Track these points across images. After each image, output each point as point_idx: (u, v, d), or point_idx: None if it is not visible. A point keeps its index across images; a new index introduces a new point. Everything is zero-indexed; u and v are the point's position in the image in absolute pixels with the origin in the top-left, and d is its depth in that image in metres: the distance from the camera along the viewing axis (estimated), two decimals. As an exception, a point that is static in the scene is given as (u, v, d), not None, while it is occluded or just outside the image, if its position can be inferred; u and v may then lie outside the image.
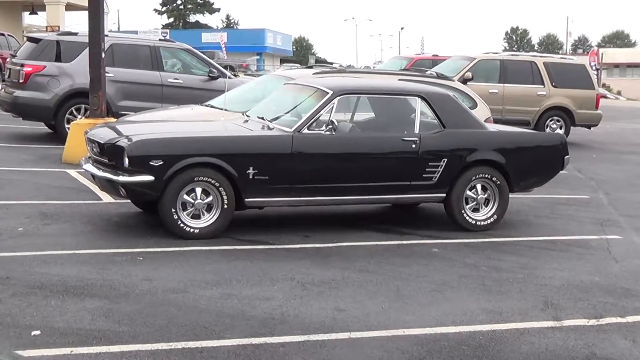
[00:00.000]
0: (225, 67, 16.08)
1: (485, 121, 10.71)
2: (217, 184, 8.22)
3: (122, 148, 8.10)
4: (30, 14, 35.21)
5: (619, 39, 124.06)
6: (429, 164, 9.08)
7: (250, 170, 8.34)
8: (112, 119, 12.59)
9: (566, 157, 10.02)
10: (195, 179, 8.18)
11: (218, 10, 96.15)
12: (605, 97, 38.15)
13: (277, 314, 6.03)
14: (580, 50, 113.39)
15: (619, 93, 65.59)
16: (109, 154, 8.30)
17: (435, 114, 9.26)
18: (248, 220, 9.01)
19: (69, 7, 32.58)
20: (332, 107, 8.77)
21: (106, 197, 9.71)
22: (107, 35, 14.57)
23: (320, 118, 8.71)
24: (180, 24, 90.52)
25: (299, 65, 42.68)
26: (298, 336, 5.58)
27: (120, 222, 9.00)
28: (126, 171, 8.05)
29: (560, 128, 19.35)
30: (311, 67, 17.36)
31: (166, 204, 8.11)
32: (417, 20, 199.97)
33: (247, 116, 9.48)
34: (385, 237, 8.90)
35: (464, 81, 16.73)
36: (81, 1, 26.53)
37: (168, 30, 65.25)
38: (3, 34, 27.98)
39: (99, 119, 12.52)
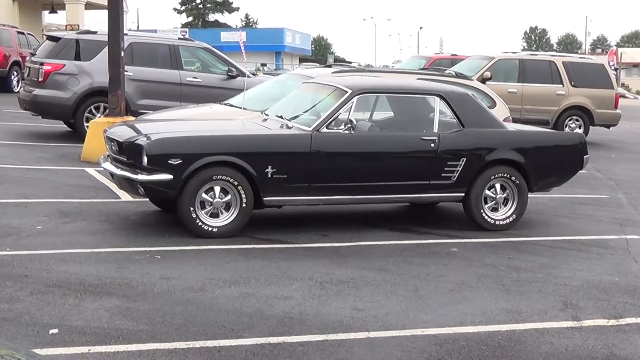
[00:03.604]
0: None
1: (504, 120, 10.68)
2: (235, 183, 8.22)
3: (141, 146, 8.10)
4: (50, 12, 35.37)
5: (638, 39, 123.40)
6: (448, 163, 9.05)
7: (269, 169, 8.33)
8: (131, 118, 12.61)
9: (585, 156, 9.98)
10: (213, 178, 8.18)
11: (237, 9, 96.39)
12: (624, 96, 37.97)
13: (295, 313, 6.02)
14: (599, 50, 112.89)
15: (638, 93, 65.27)
16: (127, 153, 8.31)
17: (454, 113, 9.22)
18: (266, 219, 9.00)
19: (89, 5, 32.69)
20: (351, 106, 8.76)
21: (125, 196, 9.74)
22: (126, 34, 14.61)
23: (339, 117, 8.70)
24: (200, 23, 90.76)
25: (317, 64, 42.66)
26: (316, 335, 5.57)
27: (139, 220, 9.01)
28: (145, 170, 8.05)
29: (579, 127, 19.29)
30: (330, 66, 17.35)
31: (185, 202, 8.11)
32: (436, 19, 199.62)
33: (266, 115, 9.47)
34: (404, 236, 8.88)
35: (483, 80, 16.68)
36: (101, 0, 26.60)
37: (187, 29, 65.44)
38: (23, 33, 28.07)
39: (118, 117, 12.55)
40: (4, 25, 27.77)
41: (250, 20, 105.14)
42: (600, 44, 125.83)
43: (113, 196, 10.05)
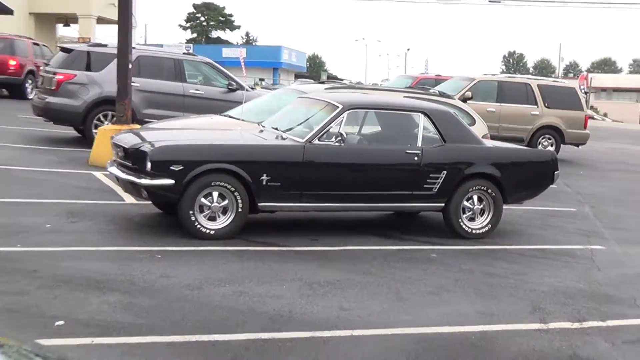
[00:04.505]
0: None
1: (482, 137, 10.69)
2: (232, 189, 8.22)
3: (145, 153, 8.10)
4: (63, 26, 35.31)
5: (606, 65, 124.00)
6: (430, 175, 9.07)
7: (264, 177, 8.33)
8: (137, 126, 12.58)
9: (556, 172, 10.02)
10: (212, 184, 8.17)
11: (238, 27, 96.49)
12: (592, 118, 38.13)
13: (285, 311, 6.02)
14: (571, 75, 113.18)
15: (605, 115, 65.55)
16: (132, 158, 8.30)
17: (437, 129, 9.25)
18: (260, 224, 9.00)
19: (100, 20, 32.65)
20: (342, 120, 8.78)
21: (129, 198, 9.72)
22: (134, 48, 14.58)
23: (330, 130, 8.71)
24: (203, 39, 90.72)
25: (312, 80, 42.65)
26: (304, 332, 5.58)
27: (141, 222, 9.00)
28: (148, 174, 8.05)
29: (551, 145, 19.35)
30: (323, 82, 17.38)
31: (185, 206, 8.11)
32: (423, 42, 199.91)
33: (263, 126, 9.48)
34: (387, 242, 8.89)
35: (464, 100, 16.70)
36: (111, 15, 26.59)
37: (191, 45, 65.33)
38: (38, 44, 28.00)
39: (125, 125, 12.53)
40: (20, 37, 27.70)
41: (250, 37, 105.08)
42: (572, 69, 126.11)
43: (118, 198, 10.03)
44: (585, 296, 7.17)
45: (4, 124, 18.15)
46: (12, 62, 25.93)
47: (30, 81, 25.93)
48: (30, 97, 23.05)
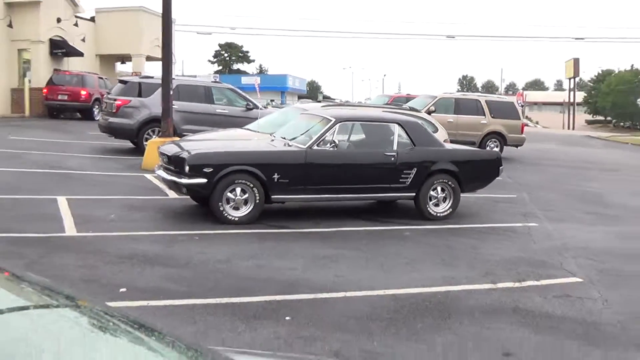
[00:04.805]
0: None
1: (444, 141, 10.67)
2: (251, 185, 8.19)
3: (184, 159, 8.08)
4: (121, 63, 35.32)
5: (536, 85, 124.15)
6: (404, 172, 9.04)
7: (276, 175, 8.31)
8: (177, 138, 12.56)
9: (501, 167, 9.98)
10: (235, 181, 8.15)
11: (253, 60, 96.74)
12: (528, 125, 38.07)
13: (293, 279, 6.00)
14: (510, 92, 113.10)
15: (537, 123, 65.57)
16: (174, 163, 8.28)
17: (408, 136, 9.22)
18: (274, 211, 8.97)
19: (148, 58, 32.66)
20: (335, 130, 8.76)
21: (172, 194, 9.70)
22: (174, 79, 14.59)
23: (326, 138, 8.69)
24: (227, 70, 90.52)
25: (311, 100, 42.70)
26: (308, 295, 5.56)
27: (182, 212, 8.98)
28: (187, 175, 8.03)
29: (497, 147, 19.29)
30: (320, 101, 17.32)
31: (215, 199, 8.09)
32: (396, 68, 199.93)
33: (273, 137, 9.45)
34: (372, 224, 8.86)
35: (429, 113, 16.66)
36: (157, 54, 26.56)
37: (218, 75, 65.00)
38: (102, 78, 28.07)
39: (168, 138, 12.50)
40: (89, 73, 27.82)
41: (263, 68, 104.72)
42: (511, 88, 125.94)
43: (164, 194, 10.00)
44: (524, 262, 7.14)
45: (78, 139, 18.13)
46: (83, 92, 26.09)
47: (96, 106, 25.92)
48: (97, 118, 23.05)
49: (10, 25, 27.09)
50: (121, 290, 5.37)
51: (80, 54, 29.26)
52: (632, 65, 69.24)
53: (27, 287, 1.36)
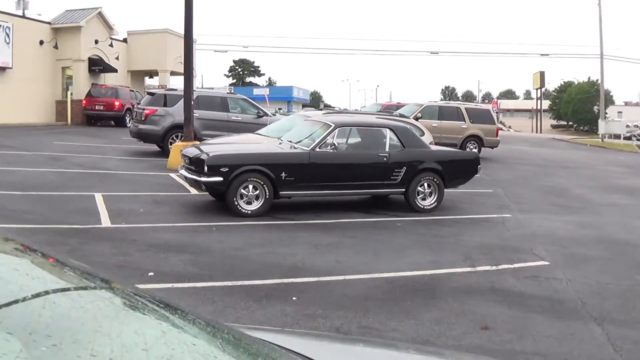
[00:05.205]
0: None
1: (430, 144, 10.65)
2: (262, 183, 8.19)
3: (203, 160, 8.08)
4: (149, 77, 35.38)
5: (509, 94, 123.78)
6: (395, 170, 9.03)
7: (283, 174, 8.30)
8: (197, 142, 12.56)
9: (479, 166, 9.96)
10: (248, 179, 8.14)
11: (263, 74, 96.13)
12: (502, 129, 37.98)
13: (299, 264, 5.99)
14: (486, 100, 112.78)
15: (510, 127, 65.47)
16: (195, 164, 8.27)
17: (399, 139, 9.20)
18: (281, 205, 8.97)
19: (172, 73, 32.72)
20: (334, 134, 8.75)
21: (193, 191, 9.70)
22: (195, 90, 14.60)
23: (327, 141, 8.68)
24: (240, 82, 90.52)
25: (314, 108, 42.69)
26: (312, 278, 5.54)
27: (202, 206, 8.98)
28: (205, 174, 8.02)
29: (475, 148, 19.27)
30: (321, 109, 17.30)
31: (230, 195, 8.08)
32: (388, 80, 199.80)
33: (281, 140, 9.44)
34: (368, 216, 8.85)
35: (416, 119, 16.63)
36: (180, 69, 26.57)
37: (233, 87, 65.04)
38: (133, 90, 28.12)
39: (189, 142, 12.51)
40: (121, 86, 27.90)
41: (272, 81, 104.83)
42: (487, 97, 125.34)
43: (186, 191, 10.00)
44: (499, 248, 7.13)
45: (113, 143, 18.12)
46: (117, 103, 26.12)
47: (128, 115, 25.95)
48: (128, 125, 23.06)
49: (56, 47, 27.36)
50: (149, 274, 5.37)
51: (115, 70, 29.38)
52: (589, 77, 69.30)
53: (68, 272, 1.36)
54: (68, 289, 1.23)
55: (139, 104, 17.03)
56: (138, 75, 33.54)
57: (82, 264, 1.45)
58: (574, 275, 6.08)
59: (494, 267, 6.24)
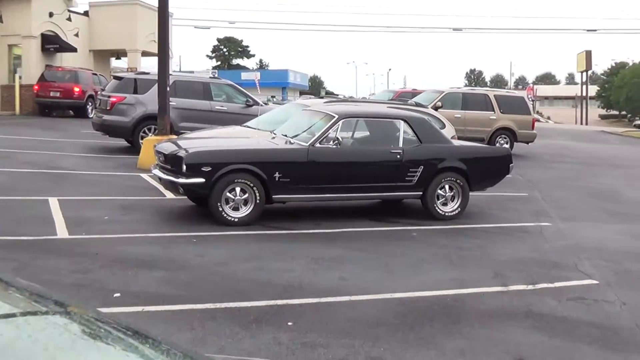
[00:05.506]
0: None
1: (451, 138, 10.64)
2: (251, 185, 8.18)
3: (181, 157, 8.07)
4: (116, 59, 35.36)
5: (547, 79, 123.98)
6: (410, 169, 9.03)
7: (277, 174, 8.29)
8: (174, 136, 12.55)
9: (511, 165, 9.97)
10: (235, 181, 8.14)
11: (253, 55, 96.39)
12: (538, 120, 38.04)
13: (296, 282, 5.98)
14: (520, 86, 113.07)
15: (548, 118, 65.54)
16: (171, 162, 8.27)
17: (415, 132, 9.20)
18: (274, 212, 8.96)
19: (144, 53, 32.71)
20: (338, 127, 8.74)
21: (169, 194, 9.69)
22: (171, 74, 14.58)
23: (329, 135, 8.68)
24: (226, 65, 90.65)
25: (313, 96, 42.67)
26: (312, 299, 5.53)
27: (179, 213, 8.97)
28: (184, 175, 8.02)
29: (507, 143, 19.27)
30: (322, 97, 17.31)
31: (213, 199, 8.07)
32: (401, 62, 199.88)
33: (274, 134, 9.43)
34: (377, 224, 8.84)
35: (436, 108, 16.61)
36: (153, 49, 26.64)
37: (217, 70, 65.12)
38: (96, 74, 28.13)
39: (164, 136, 12.51)
40: (82, 69, 27.90)
41: (263, 63, 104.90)
42: (521, 82, 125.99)
43: (160, 194, 9.99)
44: (537, 263, 7.12)
45: (71, 137, 18.16)
46: (76, 89, 26.14)
47: (90, 103, 26.01)
48: (91, 116, 23.09)
49: (0, 20, 27.17)
50: (115, 295, 5.35)
51: (74, 50, 29.35)
52: (646, 57, 69.14)
53: (14, 293, 1.34)
54: (13, 315, 1.21)
55: (103, 90, 17.05)
56: (102, 56, 33.60)
57: (32, 284, 1.43)
58: (629, 297, 6.06)
59: (530, 287, 6.23)
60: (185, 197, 9.03)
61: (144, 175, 11.62)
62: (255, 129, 11.00)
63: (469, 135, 17.63)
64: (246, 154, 8.39)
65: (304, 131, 9.09)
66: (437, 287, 6.04)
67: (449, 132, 11.95)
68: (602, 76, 79.53)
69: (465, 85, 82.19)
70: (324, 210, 9.52)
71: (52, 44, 28.58)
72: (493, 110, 19.54)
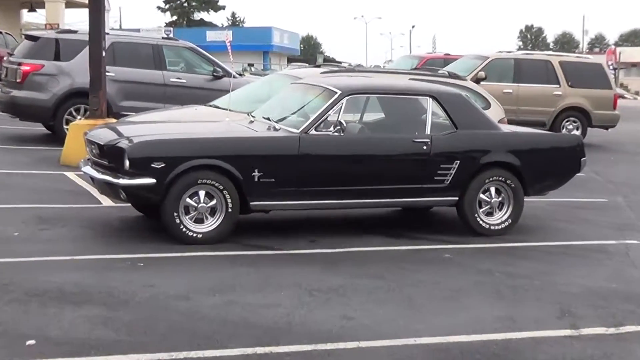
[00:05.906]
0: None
1: (499, 122, 10.67)
2: (221, 187, 8.19)
3: (122, 150, 8.08)
4: (28, 11, 35.31)
5: (637, 37, 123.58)
6: (441, 166, 9.04)
7: (256, 173, 8.30)
8: (113, 120, 12.56)
9: (583, 159, 9.98)
10: (198, 182, 8.14)
11: (223, 7, 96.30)
12: (623, 97, 38.07)
13: (282, 322, 5.99)
14: (597, 49, 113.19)
15: (637, 93, 65.45)
16: (109, 156, 8.27)
17: (447, 114, 9.22)
18: (253, 225, 8.97)
19: (69, 4, 32.68)
20: (341, 107, 8.75)
21: (106, 201, 9.69)
22: (108, 34, 14.59)
23: (328, 119, 8.69)
24: (185, 22, 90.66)
25: (306, 64, 42.57)
26: (304, 345, 5.53)
27: (121, 226, 8.97)
28: (127, 174, 8.02)
29: (577, 129, 19.33)
30: (319, 66, 17.31)
31: (168, 207, 8.08)
32: (429, 18, 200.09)
33: (253, 117, 9.45)
34: (396, 242, 8.86)
35: (477, 81, 16.69)
36: (82, -2, 26.63)
37: (172, 29, 65.05)
38: (0, 32, 28.04)
39: (99, 119, 12.51)
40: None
41: (237, 19, 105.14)
42: (598, 43, 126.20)
43: (94, 201, 9.99)
44: (621, 297, 7.13)
45: (-34, 122, 18.13)
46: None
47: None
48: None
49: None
50: (28, 343, 5.33)
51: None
52: None
53: None
54: None
55: (11, 55, 17.00)
56: (9, 6, 33.55)
57: None
58: None
59: (612, 330, 6.24)
60: (129, 204, 9.04)
61: (70, 174, 11.61)
62: (225, 109, 11.01)
63: (524, 118, 17.67)
64: (213, 145, 8.41)
65: (294, 113, 9.11)
66: (480, 330, 6.05)
67: (495, 113, 11.98)
68: None
69: (519, 49, 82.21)
70: (321, 223, 9.53)
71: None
72: (558, 82, 19.58)
